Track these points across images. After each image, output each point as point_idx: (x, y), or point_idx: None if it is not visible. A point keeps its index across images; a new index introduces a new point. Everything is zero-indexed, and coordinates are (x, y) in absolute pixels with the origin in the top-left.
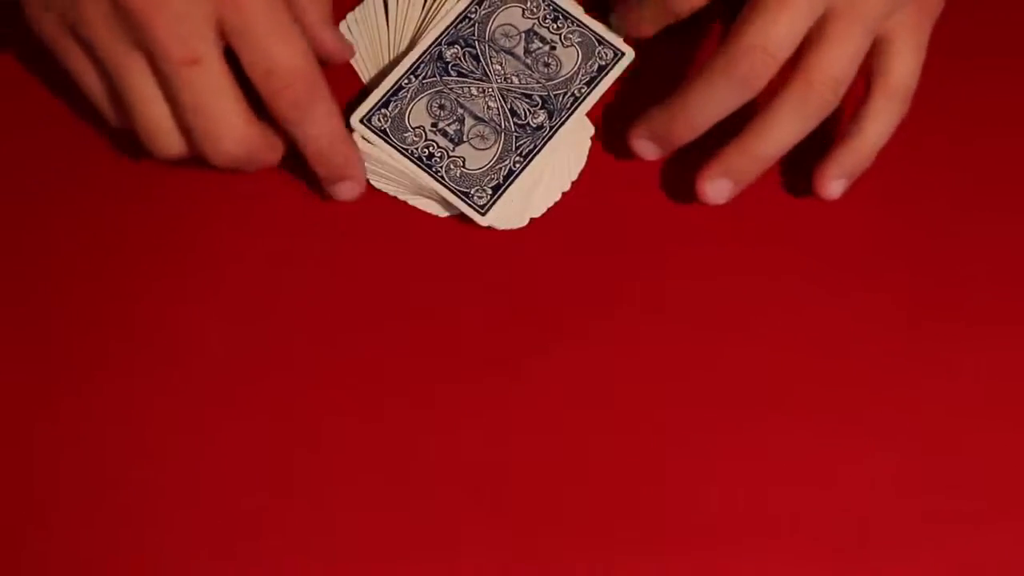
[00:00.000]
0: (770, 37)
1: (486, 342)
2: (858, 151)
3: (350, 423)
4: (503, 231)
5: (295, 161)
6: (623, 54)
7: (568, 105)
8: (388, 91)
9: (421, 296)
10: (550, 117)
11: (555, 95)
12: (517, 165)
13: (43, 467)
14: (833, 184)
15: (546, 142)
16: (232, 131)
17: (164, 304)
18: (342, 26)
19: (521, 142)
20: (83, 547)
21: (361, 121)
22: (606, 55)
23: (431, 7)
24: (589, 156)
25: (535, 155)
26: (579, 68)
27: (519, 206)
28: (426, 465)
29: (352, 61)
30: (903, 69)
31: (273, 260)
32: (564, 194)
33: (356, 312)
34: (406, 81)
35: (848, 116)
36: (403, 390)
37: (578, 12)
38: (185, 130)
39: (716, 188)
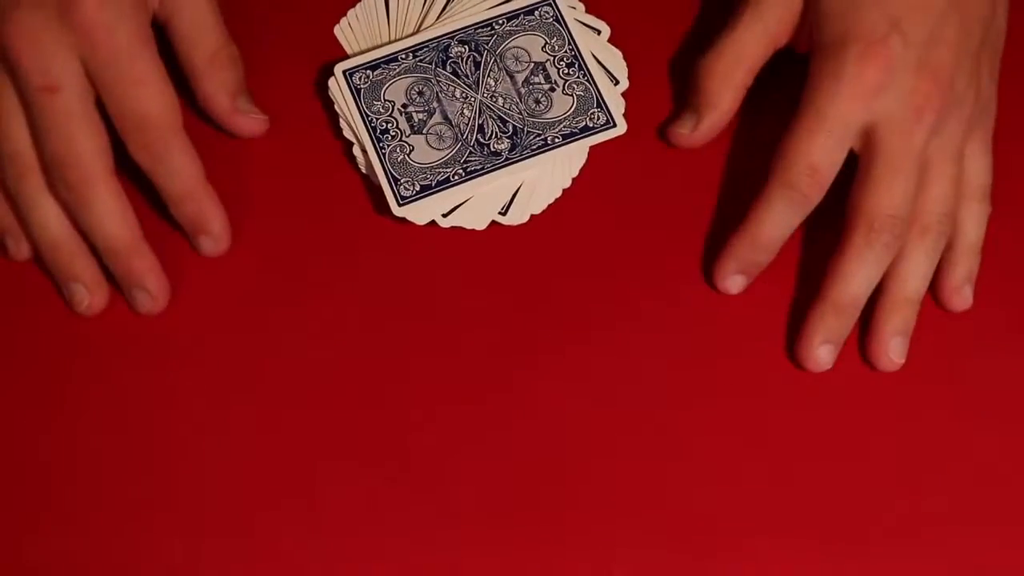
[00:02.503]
0: (898, 205)
1: (486, 339)
2: (967, 254)
3: (351, 421)
4: (505, 227)
5: (296, 164)
6: (614, 125)
7: (535, 146)
8: (382, 57)
9: (421, 292)
10: (511, 149)
11: (528, 132)
12: (456, 178)
13: (42, 470)
14: (963, 291)
15: (493, 169)
16: (78, 159)
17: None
18: (343, 23)
19: (472, 159)
20: (81, 550)
21: (344, 73)
22: (597, 118)
23: (431, 4)
24: (590, 152)
25: (476, 176)
26: (565, 118)
27: (436, 211)
28: (426, 463)
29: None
30: (978, 172)
31: (273, 259)
32: (565, 191)
33: (356, 309)
34: (403, 56)
35: None
36: (403, 387)
37: (595, 70)
38: (40, 154)
39: (895, 349)
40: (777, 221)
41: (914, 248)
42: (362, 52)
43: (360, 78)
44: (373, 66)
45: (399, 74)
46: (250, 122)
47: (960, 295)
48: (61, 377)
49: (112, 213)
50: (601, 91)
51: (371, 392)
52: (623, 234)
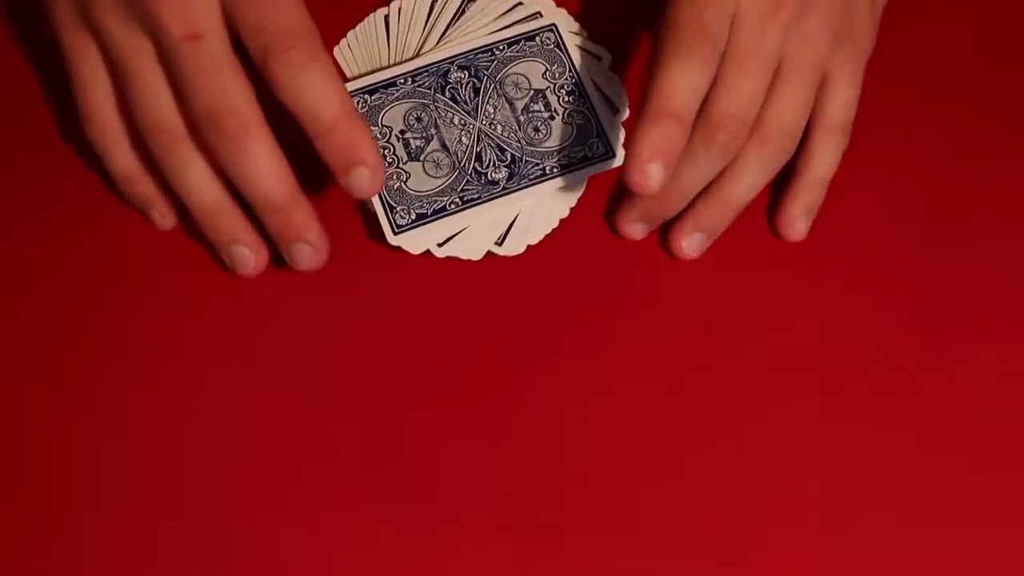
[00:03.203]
0: (742, 105)
1: (481, 372)
2: (812, 186)
3: (345, 449)
4: (502, 257)
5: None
6: (613, 156)
7: (533, 176)
8: (380, 82)
9: (415, 323)
10: (508, 178)
11: (526, 161)
12: (452, 206)
13: (41, 473)
14: (798, 223)
15: (491, 198)
16: (233, 106)
17: (172, 313)
18: (342, 44)
19: (468, 188)
20: (82, 553)
21: None
22: (596, 149)
23: (432, 28)
24: (589, 181)
25: (473, 205)
26: (564, 147)
27: (431, 241)
28: (422, 490)
29: (349, 77)
30: (841, 103)
31: (266, 285)
32: (563, 220)
33: (349, 338)
34: (402, 81)
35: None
36: (398, 421)
37: (595, 98)
38: (188, 112)
39: (691, 242)
40: (684, 86)
41: (750, 156)
42: (361, 76)
43: (358, 103)
44: (371, 90)
45: (397, 99)
46: None
47: (794, 227)
48: (64, 383)
49: (273, 164)
50: (601, 120)
51: (365, 422)
52: (622, 265)
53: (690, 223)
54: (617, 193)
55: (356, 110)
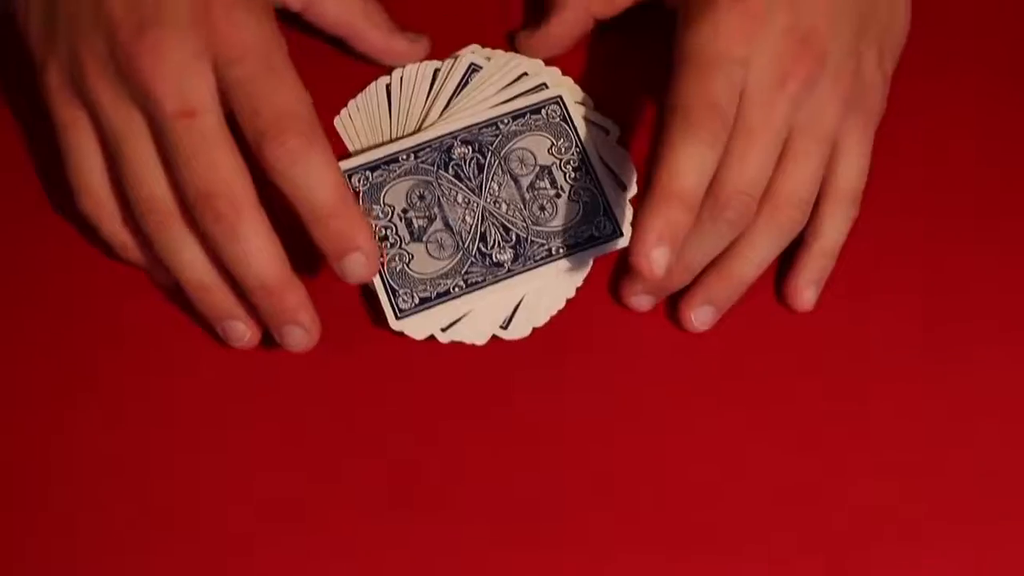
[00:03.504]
0: (750, 181)
1: (486, 462)
2: (820, 256)
3: (347, 541)
4: (506, 341)
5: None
6: (620, 235)
7: (539, 257)
8: (383, 158)
9: (418, 409)
10: (513, 260)
11: (532, 241)
12: (456, 289)
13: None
14: (806, 293)
15: (495, 281)
16: (226, 187)
17: (166, 381)
18: (343, 114)
19: (472, 270)
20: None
21: (343, 174)
22: (604, 228)
23: (435, 97)
24: (594, 261)
25: (477, 288)
26: (570, 227)
27: (435, 326)
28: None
29: (351, 149)
30: (852, 172)
31: (264, 368)
32: (569, 301)
33: (351, 425)
34: (404, 156)
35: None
36: (403, 512)
37: (602, 174)
38: (179, 188)
39: (700, 315)
40: (692, 167)
41: (759, 230)
42: (362, 151)
43: (359, 180)
44: (373, 167)
45: (399, 176)
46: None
47: (802, 297)
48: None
49: (265, 246)
50: (608, 198)
51: (367, 518)
52: (628, 345)
53: (699, 297)
54: (622, 266)
55: (352, 196)
